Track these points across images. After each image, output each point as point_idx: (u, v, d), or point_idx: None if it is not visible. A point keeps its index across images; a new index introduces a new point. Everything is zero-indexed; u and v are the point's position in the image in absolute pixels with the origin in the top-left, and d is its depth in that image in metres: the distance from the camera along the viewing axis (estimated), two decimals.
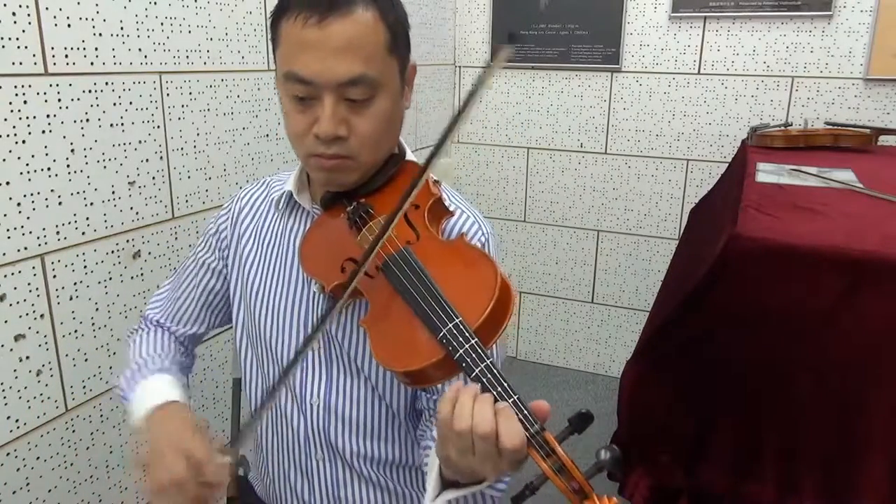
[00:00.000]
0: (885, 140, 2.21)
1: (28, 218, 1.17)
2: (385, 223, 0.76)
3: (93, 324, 1.31)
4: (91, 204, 1.28)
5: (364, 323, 0.79)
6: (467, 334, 0.68)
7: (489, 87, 0.80)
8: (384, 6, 0.84)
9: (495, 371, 0.67)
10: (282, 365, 0.98)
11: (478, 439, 0.65)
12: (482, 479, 0.70)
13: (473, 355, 0.67)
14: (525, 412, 0.65)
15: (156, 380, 0.96)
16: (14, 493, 1.20)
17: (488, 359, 0.67)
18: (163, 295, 1.11)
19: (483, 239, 0.92)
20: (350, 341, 0.93)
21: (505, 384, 0.66)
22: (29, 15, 1.13)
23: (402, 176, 0.91)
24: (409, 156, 0.97)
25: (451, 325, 0.69)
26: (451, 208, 0.92)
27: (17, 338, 1.18)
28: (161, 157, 1.43)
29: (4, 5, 1.09)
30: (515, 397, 0.66)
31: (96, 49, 1.25)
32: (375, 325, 0.78)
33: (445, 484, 0.76)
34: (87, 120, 1.25)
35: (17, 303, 1.17)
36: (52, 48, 1.18)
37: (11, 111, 1.12)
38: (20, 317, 1.18)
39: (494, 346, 0.72)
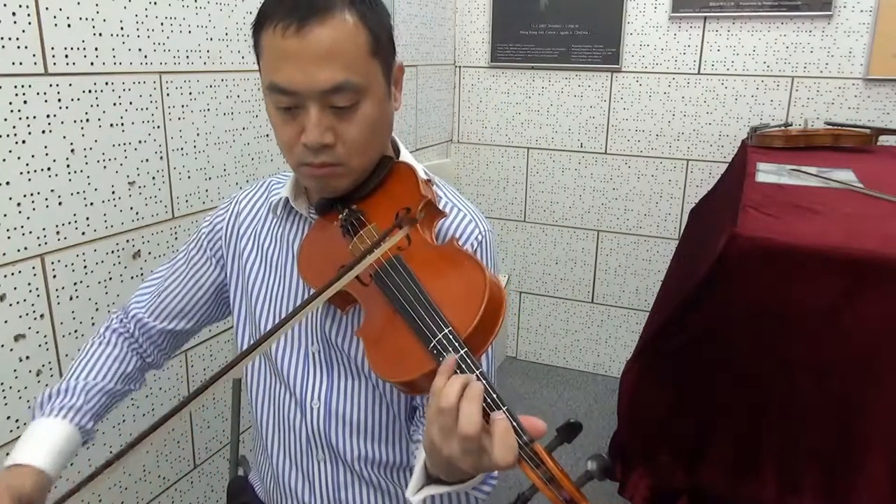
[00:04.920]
0: (885, 140, 2.21)
1: (28, 218, 1.17)
2: (365, 251, 0.76)
3: (93, 324, 1.31)
4: (91, 204, 1.28)
5: (360, 333, 0.79)
6: (457, 344, 0.68)
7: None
8: (363, 9, 0.83)
9: (485, 381, 0.67)
10: (281, 370, 0.98)
11: (461, 437, 0.64)
12: (466, 477, 0.69)
13: (463, 365, 0.67)
14: (514, 423, 0.65)
15: (47, 428, 0.91)
16: None
17: (478, 368, 0.67)
18: (149, 289, 1.08)
19: (480, 237, 0.92)
20: (352, 346, 0.92)
21: (495, 395, 0.66)
22: (29, 15, 1.13)
23: (394, 178, 0.91)
24: (405, 155, 0.97)
25: (440, 336, 0.69)
26: (447, 208, 0.92)
27: (17, 338, 1.18)
28: (161, 157, 1.43)
29: (4, 5, 1.09)
30: (505, 408, 0.65)
31: (96, 49, 1.25)
32: (370, 335, 0.78)
33: (430, 479, 0.76)
34: (87, 120, 1.25)
35: (17, 303, 1.17)
36: (52, 48, 1.18)
37: (11, 111, 1.12)
38: (20, 317, 1.18)
39: (486, 353, 0.72)
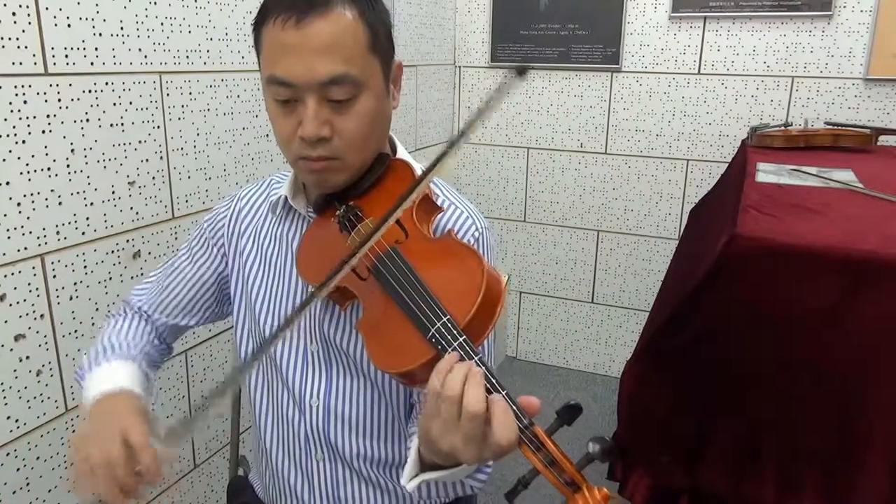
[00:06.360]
0: (885, 140, 2.21)
1: (28, 218, 1.17)
2: (363, 240, 0.76)
3: (93, 324, 1.31)
4: (91, 204, 1.28)
5: (358, 326, 0.80)
6: (455, 332, 0.68)
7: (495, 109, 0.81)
8: (363, 5, 0.84)
9: (484, 367, 0.67)
10: (281, 369, 0.98)
11: (466, 417, 0.64)
12: (462, 462, 0.69)
13: (462, 352, 0.67)
14: (514, 407, 0.65)
15: (116, 366, 0.93)
16: (14, 493, 1.20)
17: (477, 355, 0.67)
18: (149, 283, 1.09)
19: (477, 234, 0.92)
20: (350, 343, 0.93)
21: (494, 380, 0.66)
22: (29, 15, 1.13)
23: (391, 175, 0.91)
24: (402, 153, 0.97)
25: (439, 325, 0.69)
26: (444, 204, 0.92)
27: (17, 338, 1.18)
28: (161, 157, 1.43)
29: (4, 5, 1.09)
30: (504, 392, 0.66)
31: (96, 49, 1.25)
32: (369, 328, 0.78)
33: (424, 466, 0.76)
34: (87, 120, 1.25)
35: (17, 303, 1.17)
36: (52, 48, 1.18)
37: (11, 111, 1.12)
38: (20, 317, 1.18)
39: (485, 342, 0.72)
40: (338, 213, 0.88)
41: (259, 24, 0.85)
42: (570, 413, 0.65)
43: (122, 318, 1.06)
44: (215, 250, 1.05)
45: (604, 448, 0.64)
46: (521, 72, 0.69)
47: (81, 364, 0.97)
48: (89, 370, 0.94)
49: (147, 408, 0.86)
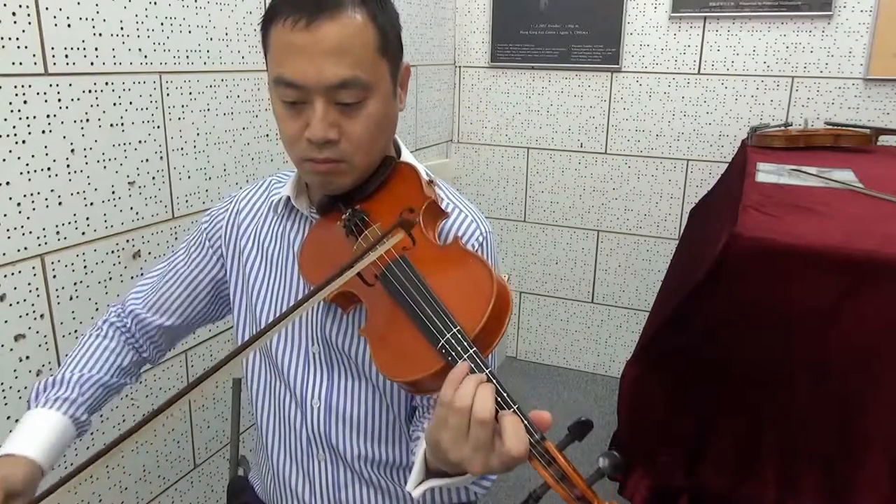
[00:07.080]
0: (885, 140, 2.21)
1: (28, 218, 1.17)
2: (364, 250, 0.76)
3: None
4: (91, 204, 1.28)
5: (364, 332, 0.79)
6: (466, 343, 0.68)
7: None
8: (373, 8, 0.83)
9: (495, 380, 0.67)
10: (282, 370, 0.98)
11: (475, 425, 0.64)
12: (467, 471, 0.70)
13: (473, 365, 0.67)
14: (525, 421, 0.65)
15: (41, 419, 0.90)
16: None
17: (487, 368, 0.67)
18: (147, 286, 1.08)
19: (481, 238, 0.92)
20: (352, 346, 0.92)
21: (505, 394, 0.66)
22: (29, 15, 1.13)
23: (397, 178, 0.91)
24: (406, 156, 0.97)
25: (449, 335, 0.69)
26: (448, 209, 0.92)
27: (17, 338, 1.18)
28: (161, 157, 1.43)
29: (4, 5, 1.09)
30: (515, 406, 0.66)
31: (96, 49, 1.25)
32: (375, 335, 0.78)
33: (430, 473, 0.76)
34: (87, 120, 1.25)
35: (17, 303, 1.17)
36: (52, 48, 1.18)
37: (11, 111, 1.12)
38: (20, 317, 1.18)
39: (493, 352, 0.72)
40: (343, 216, 0.88)
41: (267, 23, 0.84)
42: (581, 429, 0.65)
43: (97, 336, 1.04)
44: (212, 252, 1.05)
45: (614, 463, 0.64)
46: (407, 227, 0.77)
47: (33, 390, 0.95)
48: (35, 403, 0.93)
49: (21, 485, 0.82)
